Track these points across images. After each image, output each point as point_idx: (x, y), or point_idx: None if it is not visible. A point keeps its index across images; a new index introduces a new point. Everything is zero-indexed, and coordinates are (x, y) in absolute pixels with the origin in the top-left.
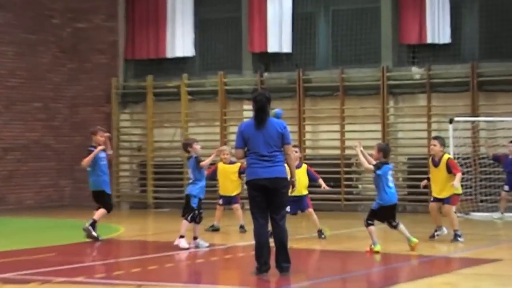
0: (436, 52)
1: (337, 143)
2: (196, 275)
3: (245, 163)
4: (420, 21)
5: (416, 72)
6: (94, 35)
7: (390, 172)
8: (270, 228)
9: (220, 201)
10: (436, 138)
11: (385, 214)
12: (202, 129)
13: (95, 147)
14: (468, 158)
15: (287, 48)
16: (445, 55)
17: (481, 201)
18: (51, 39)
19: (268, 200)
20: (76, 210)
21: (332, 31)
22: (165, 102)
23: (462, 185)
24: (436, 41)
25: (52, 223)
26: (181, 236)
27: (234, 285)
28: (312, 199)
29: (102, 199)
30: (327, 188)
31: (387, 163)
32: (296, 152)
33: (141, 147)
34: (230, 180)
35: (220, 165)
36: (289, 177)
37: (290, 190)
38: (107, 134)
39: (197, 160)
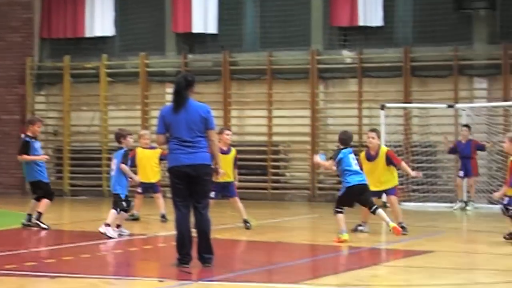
0: (368, 35)
1: (264, 129)
2: (114, 266)
3: (167, 149)
4: (352, 3)
5: (347, 55)
6: (7, 11)
7: (352, 156)
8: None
9: (139, 189)
10: (373, 130)
11: (353, 196)
12: (122, 113)
13: (32, 138)
14: (399, 146)
15: (212, 28)
16: (377, 39)
17: (413, 190)
18: None
19: (191, 188)
20: None
21: (260, 12)
22: (83, 84)
23: None
24: (368, 24)
25: None
26: (107, 225)
27: (153, 277)
28: (237, 187)
29: (40, 189)
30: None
31: (345, 148)
32: (227, 135)
33: (57, 132)
34: (150, 166)
35: (140, 150)
36: (213, 164)
37: (214, 177)
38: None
39: (125, 154)
